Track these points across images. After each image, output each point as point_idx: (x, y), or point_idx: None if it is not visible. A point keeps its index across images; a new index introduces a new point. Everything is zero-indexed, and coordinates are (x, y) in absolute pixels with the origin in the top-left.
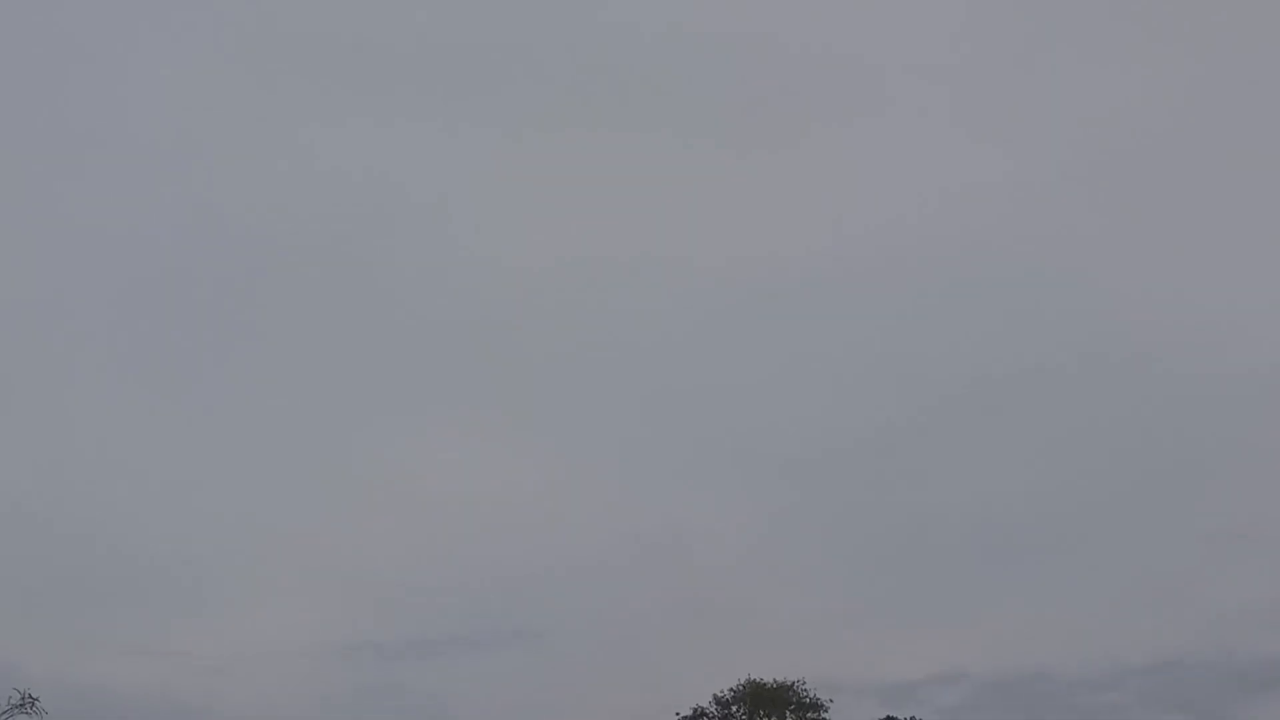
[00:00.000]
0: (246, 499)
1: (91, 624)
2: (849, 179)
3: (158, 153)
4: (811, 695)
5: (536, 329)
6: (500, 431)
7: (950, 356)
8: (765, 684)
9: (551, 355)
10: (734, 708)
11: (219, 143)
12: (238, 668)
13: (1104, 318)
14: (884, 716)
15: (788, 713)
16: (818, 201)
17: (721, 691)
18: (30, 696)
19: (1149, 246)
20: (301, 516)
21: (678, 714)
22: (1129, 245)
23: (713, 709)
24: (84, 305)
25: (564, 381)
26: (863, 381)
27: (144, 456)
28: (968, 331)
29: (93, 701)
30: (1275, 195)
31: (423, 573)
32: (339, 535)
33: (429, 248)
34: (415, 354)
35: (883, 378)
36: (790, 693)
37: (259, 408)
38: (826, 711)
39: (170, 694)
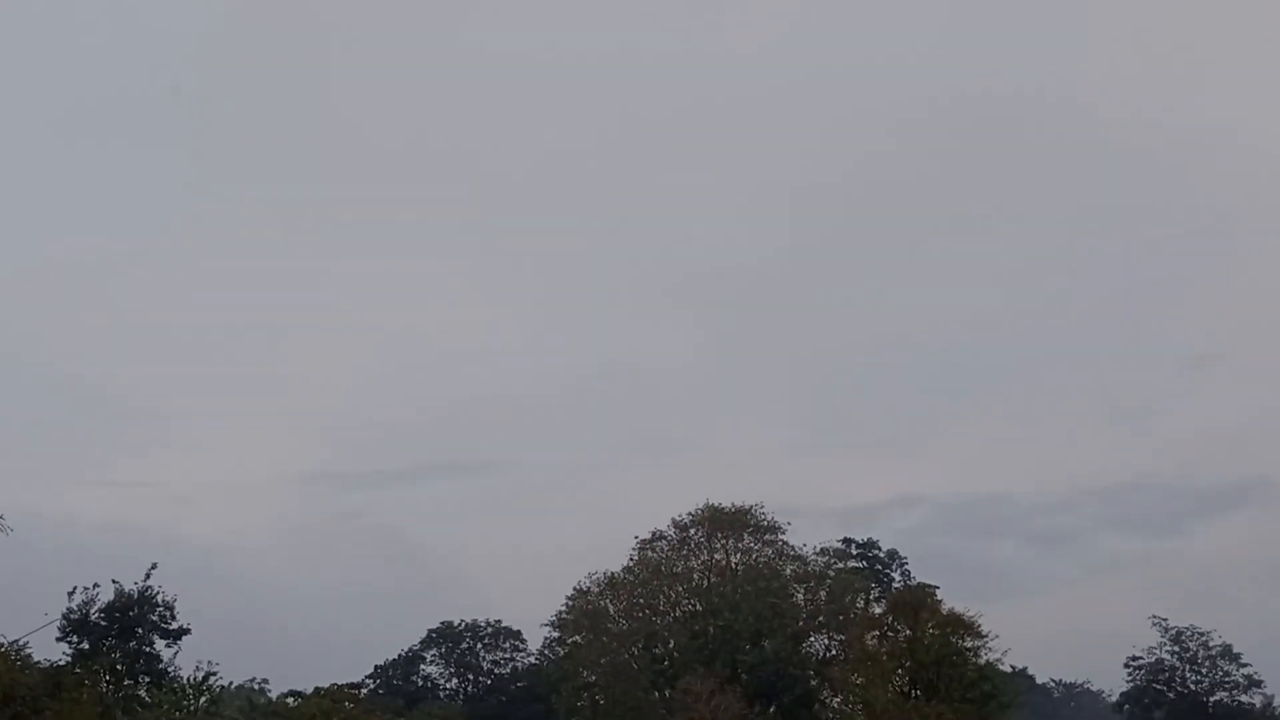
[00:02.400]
0: (208, 333)
1: (55, 457)
2: None
3: None
4: (769, 519)
5: (499, 156)
6: (461, 263)
7: (911, 172)
8: (724, 508)
9: (513, 185)
10: (692, 530)
11: None
12: (200, 498)
13: (1077, 136)
14: (842, 538)
15: (745, 534)
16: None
17: (680, 516)
18: None
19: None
20: (262, 349)
21: (636, 537)
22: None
23: (671, 532)
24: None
25: (524, 214)
26: (820, 205)
27: (108, 293)
28: (930, 146)
29: (58, 532)
30: None
31: (382, 404)
32: (300, 367)
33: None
34: (374, 183)
35: (839, 200)
36: (748, 516)
37: (221, 244)
38: (784, 534)
39: (134, 524)
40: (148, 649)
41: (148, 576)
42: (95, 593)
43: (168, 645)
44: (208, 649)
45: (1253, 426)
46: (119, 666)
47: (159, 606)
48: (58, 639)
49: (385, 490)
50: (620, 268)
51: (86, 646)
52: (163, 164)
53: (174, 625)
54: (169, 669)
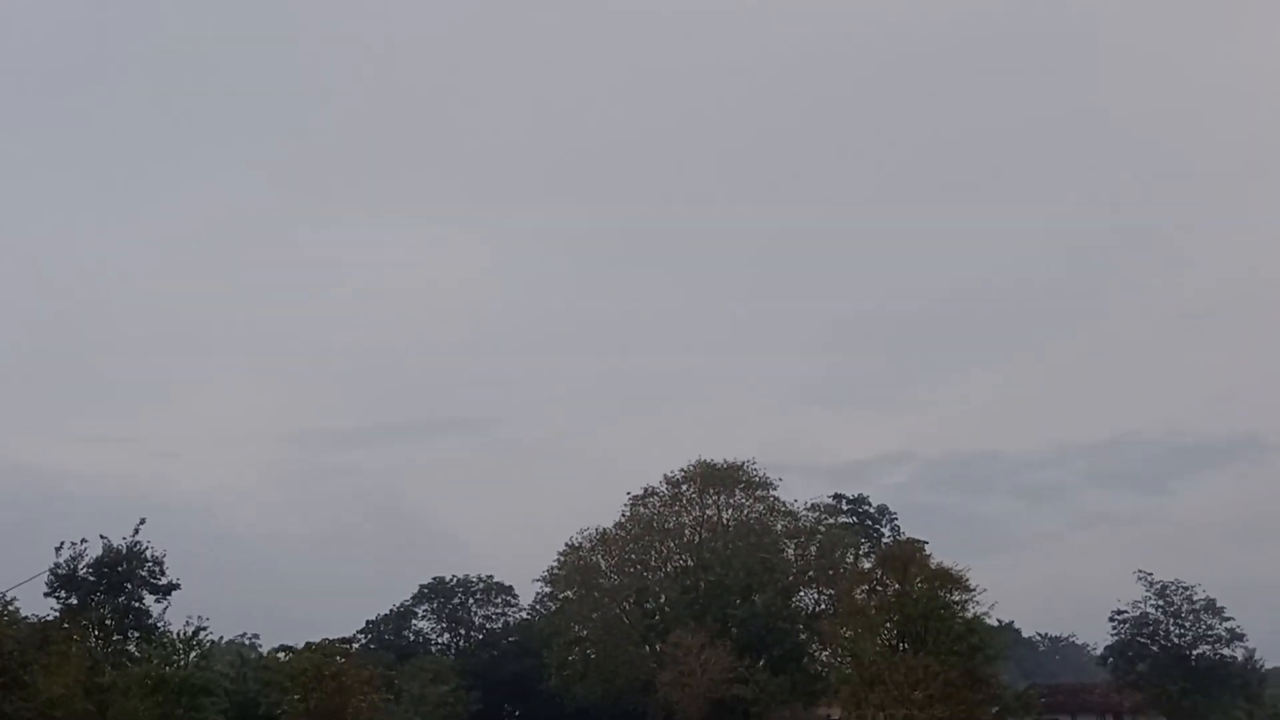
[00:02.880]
0: (199, 287)
1: (45, 411)
2: None
3: None
4: (761, 475)
5: (492, 112)
6: (454, 219)
7: (901, 131)
8: (716, 464)
9: (507, 142)
10: (684, 486)
11: None
12: (190, 452)
13: (1070, 94)
14: (832, 494)
15: (737, 490)
16: None
17: (672, 472)
18: None
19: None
20: (254, 304)
21: (628, 493)
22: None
23: (663, 488)
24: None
25: (518, 170)
26: (814, 165)
27: (100, 247)
28: (922, 105)
29: (48, 486)
30: None
31: (373, 360)
32: (291, 322)
33: (377, 30)
34: (364, 137)
35: (838, 157)
36: (740, 472)
37: (210, 200)
38: (775, 489)
39: (123, 478)
40: (137, 604)
41: (136, 531)
42: (83, 548)
43: (157, 600)
44: (198, 604)
45: (1241, 384)
46: (108, 622)
47: (148, 562)
48: (45, 594)
49: (376, 446)
50: (614, 225)
51: (75, 602)
52: (145, 123)
53: (163, 580)
54: (158, 624)
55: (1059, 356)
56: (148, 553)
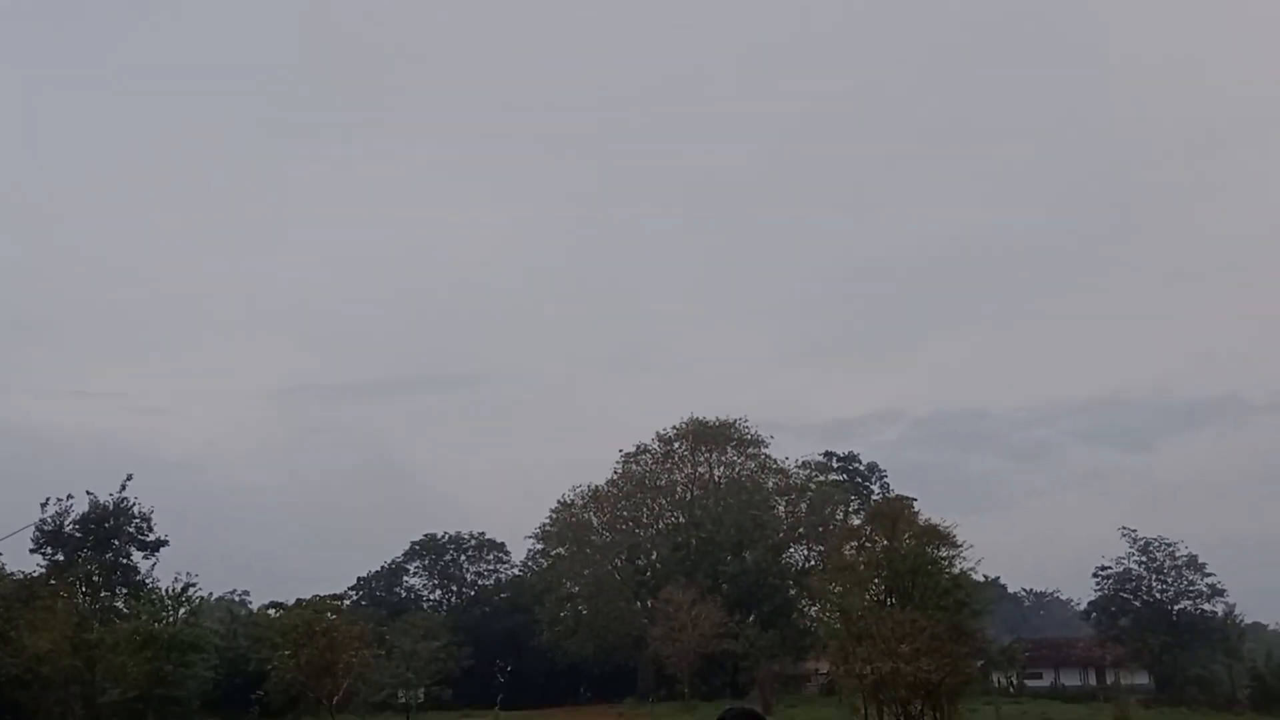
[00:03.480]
0: (184, 239)
1: (27, 366)
2: None
3: None
4: (752, 433)
5: (487, 60)
6: (448, 173)
7: (893, 87)
8: (707, 422)
9: (502, 91)
10: (676, 444)
11: None
12: (177, 408)
13: (1064, 49)
14: (823, 452)
15: (729, 448)
16: None
17: (664, 429)
18: None
19: None
20: (236, 258)
21: (620, 451)
22: None
23: (655, 446)
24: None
25: (512, 125)
26: (807, 117)
27: (79, 199)
28: (914, 59)
29: (29, 442)
30: None
31: (363, 316)
32: (277, 277)
33: None
34: (355, 83)
35: (827, 116)
36: (732, 430)
37: (195, 149)
38: (767, 447)
39: (107, 435)
40: (124, 561)
41: (123, 488)
42: (69, 504)
43: (145, 557)
44: (186, 561)
45: (1226, 344)
46: (95, 578)
47: (135, 518)
48: (31, 550)
49: (367, 403)
50: (608, 183)
51: (61, 558)
52: (129, 66)
53: (151, 537)
54: (146, 581)
55: (1049, 316)
56: (135, 509)
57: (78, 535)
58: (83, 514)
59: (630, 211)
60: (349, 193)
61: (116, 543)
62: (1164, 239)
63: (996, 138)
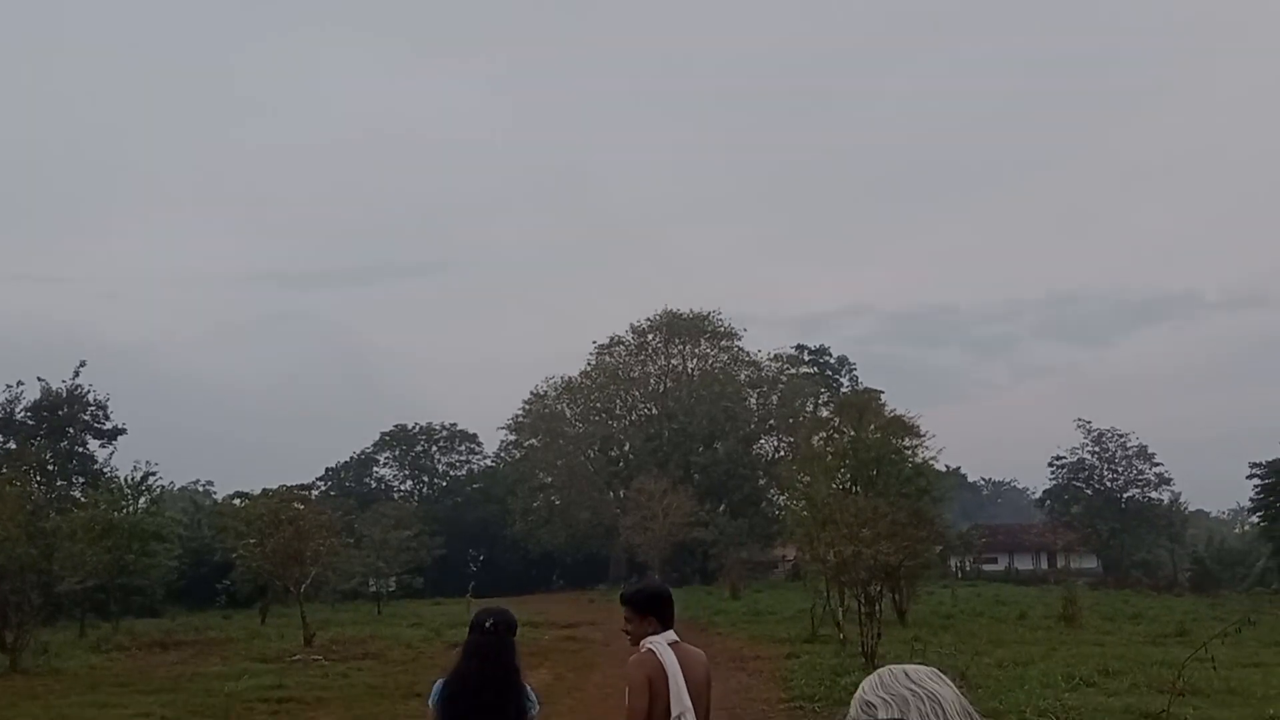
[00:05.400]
0: (137, 116)
1: None
2: None
3: None
4: (726, 325)
5: None
6: (420, 57)
7: None
8: (681, 315)
9: None
10: (650, 336)
11: None
12: (130, 293)
13: None
14: (795, 345)
15: (702, 340)
16: None
17: (638, 321)
18: None
19: None
20: (200, 136)
21: (594, 342)
22: None
23: (629, 338)
24: None
25: (486, 13)
26: (776, 15)
27: (15, 70)
28: None
29: None
30: None
31: (329, 200)
32: (240, 159)
33: None
34: None
35: (793, 9)
36: (705, 323)
37: (159, 23)
38: (740, 340)
39: (56, 319)
40: (80, 449)
41: (76, 374)
42: (20, 390)
43: (102, 446)
44: (147, 451)
45: (1184, 243)
46: (50, 467)
47: (90, 405)
48: None
49: (334, 290)
50: (582, 71)
51: (13, 446)
52: None
53: (108, 425)
54: (105, 470)
55: (1017, 210)
56: (90, 396)
57: (30, 423)
58: (34, 401)
59: (604, 102)
60: (322, 75)
61: (71, 430)
62: (1126, 138)
63: (966, 30)
